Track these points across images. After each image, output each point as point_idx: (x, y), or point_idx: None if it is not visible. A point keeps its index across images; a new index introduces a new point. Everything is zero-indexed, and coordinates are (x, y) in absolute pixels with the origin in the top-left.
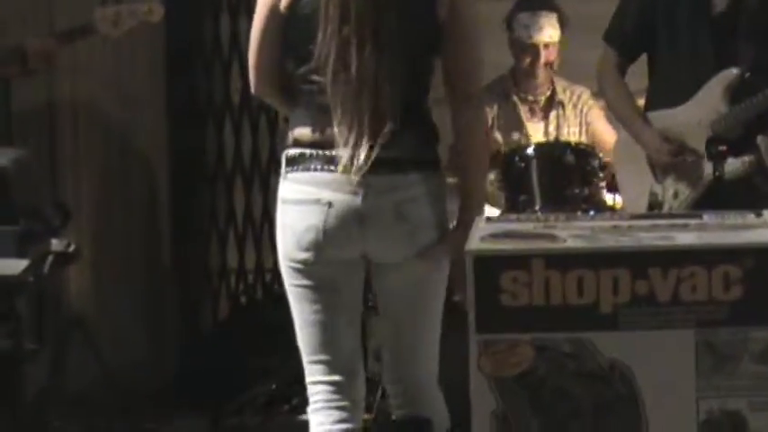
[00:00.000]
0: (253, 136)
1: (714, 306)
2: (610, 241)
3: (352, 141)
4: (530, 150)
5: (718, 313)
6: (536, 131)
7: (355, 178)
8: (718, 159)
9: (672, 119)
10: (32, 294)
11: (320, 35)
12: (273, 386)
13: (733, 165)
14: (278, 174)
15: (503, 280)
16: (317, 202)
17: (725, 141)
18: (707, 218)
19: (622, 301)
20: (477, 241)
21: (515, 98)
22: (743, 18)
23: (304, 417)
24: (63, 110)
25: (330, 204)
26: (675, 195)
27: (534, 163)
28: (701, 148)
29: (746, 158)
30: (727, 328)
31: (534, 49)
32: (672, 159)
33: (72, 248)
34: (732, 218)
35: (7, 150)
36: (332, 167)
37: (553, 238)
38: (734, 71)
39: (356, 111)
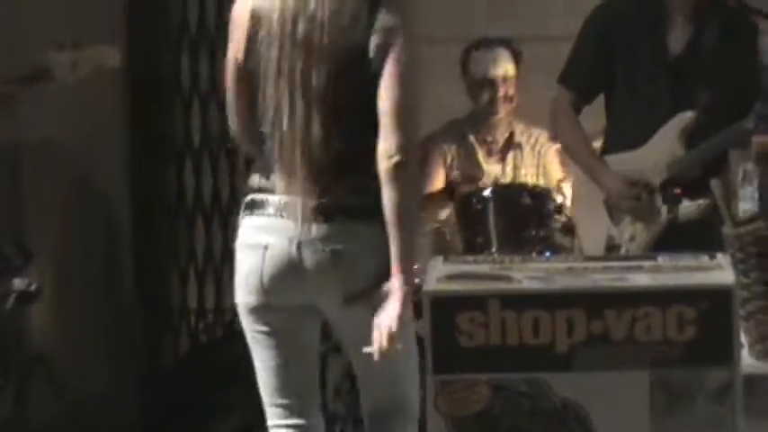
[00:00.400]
0: (213, 175)
1: (668, 346)
2: (565, 282)
3: (288, 190)
4: (487, 192)
5: (672, 353)
6: (493, 173)
7: (291, 225)
8: (673, 202)
9: (629, 162)
10: None
11: (261, 87)
12: (235, 420)
13: (688, 207)
14: (238, 213)
15: (459, 320)
16: (258, 245)
17: (680, 184)
18: (661, 260)
19: (577, 341)
20: (434, 282)
21: (473, 139)
22: (698, 62)
23: None
24: (24, 151)
25: (266, 248)
26: (632, 238)
27: (491, 205)
28: (658, 190)
29: (701, 201)
30: (682, 369)
31: (492, 84)
32: (635, 203)
33: (34, 287)
34: (686, 260)
35: None
36: (271, 213)
37: (509, 279)
38: (690, 114)
39: (291, 161)
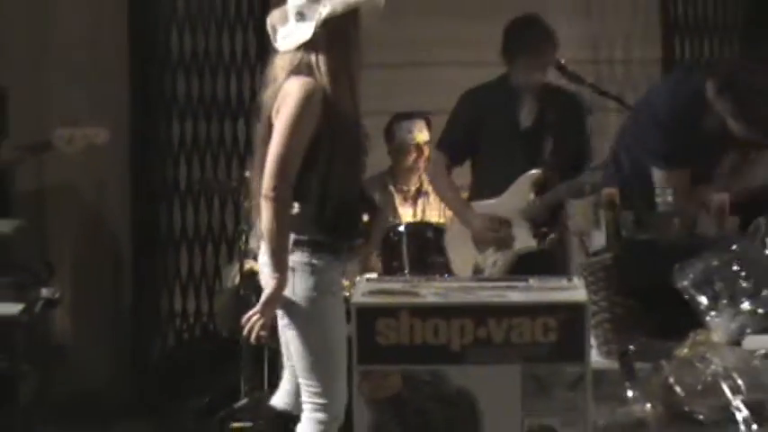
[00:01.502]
0: (194, 212)
1: (536, 347)
2: (458, 298)
3: None
4: (401, 228)
5: (539, 352)
6: (407, 214)
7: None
8: (542, 237)
9: (491, 207)
10: (26, 329)
11: None
12: (207, 399)
13: (534, 241)
14: (214, 242)
15: (378, 325)
16: None
17: (542, 224)
18: (531, 281)
19: (467, 342)
20: (359, 296)
21: (392, 189)
22: (542, 132)
23: (231, 425)
24: (50, 192)
25: None
26: (494, 264)
27: (405, 238)
28: (513, 232)
29: (551, 236)
30: (546, 364)
31: (418, 148)
32: (496, 235)
33: (56, 295)
34: (550, 282)
35: (9, 221)
36: None
37: (416, 294)
38: (537, 171)
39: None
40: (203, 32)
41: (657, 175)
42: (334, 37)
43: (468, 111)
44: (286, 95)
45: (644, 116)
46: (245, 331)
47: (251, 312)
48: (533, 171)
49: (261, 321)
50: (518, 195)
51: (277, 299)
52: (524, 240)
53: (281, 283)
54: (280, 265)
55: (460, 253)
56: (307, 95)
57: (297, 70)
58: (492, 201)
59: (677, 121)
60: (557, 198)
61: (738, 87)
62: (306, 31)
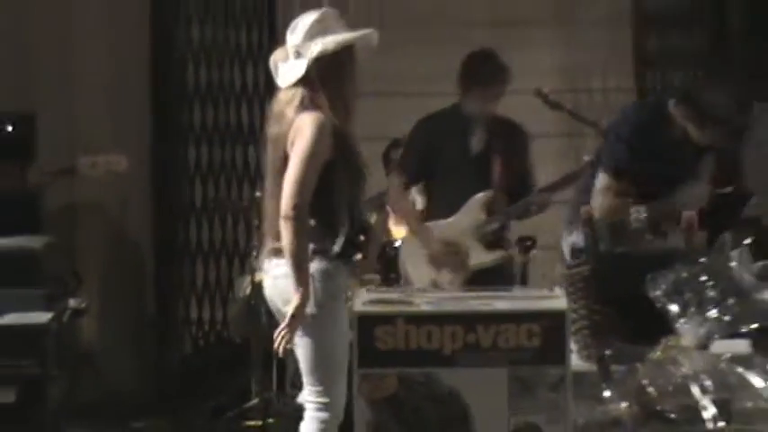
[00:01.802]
0: (209, 229)
1: (521, 351)
2: (449, 306)
3: None
4: (398, 243)
5: (524, 356)
6: (400, 232)
7: None
8: (525, 251)
9: (445, 227)
10: (55, 336)
11: None
12: (221, 400)
13: (489, 256)
14: (228, 255)
15: (377, 332)
16: None
17: (528, 239)
18: (516, 291)
19: (458, 347)
20: (360, 305)
21: (388, 209)
22: (491, 157)
23: (243, 424)
24: (79, 210)
25: None
26: (451, 282)
27: (401, 252)
28: (467, 249)
29: (500, 252)
30: (530, 367)
31: None
32: (450, 258)
33: (84, 305)
34: (533, 291)
35: (40, 238)
36: None
37: (411, 303)
38: (487, 193)
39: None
40: (217, 66)
41: (601, 178)
42: (328, 72)
43: (422, 137)
44: (299, 129)
45: (611, 134)
46: (276, 345)
47: (280, 328)
48: (483, 193)
49: (288, 336)
50: (470, 216)
51: (302, 313)
52: (478, 257)
53: (304, 298)
54: (301, 279)
55: (419, 269)
56: (319, 129)
57: (304, 106)
58: (446, 221)
59: (640, 134)
60: (506, 218)
61: (696, 97)
62: (301, 67)
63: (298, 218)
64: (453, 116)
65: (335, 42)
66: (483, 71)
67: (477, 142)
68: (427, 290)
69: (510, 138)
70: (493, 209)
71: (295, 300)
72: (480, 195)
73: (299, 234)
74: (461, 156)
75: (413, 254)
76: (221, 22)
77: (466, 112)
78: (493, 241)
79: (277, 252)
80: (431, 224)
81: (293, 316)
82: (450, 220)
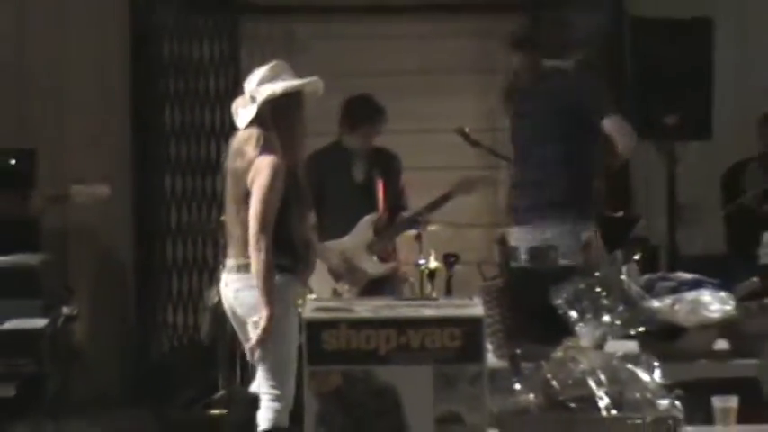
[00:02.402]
0: (183, 247)
1: (445, 351)
2: (385, 313)
3: None
4: None
5: (447, 355)
6: None
7: None
8: (450, 265)
9: (341, 245)
10: (50, 339)
11: None
12: (193, 393)
13: (381, 268)
14: (198, 270)
15: (323, 335)
16: None
17: (452, 255)
18: (441, 300)
19: (391, 348)
20: (308, 313)
21: None
22: (371, 186)
23: (210, 412)
24: (72, 231)
25: None
26: (349, 290)
27: None
28: (362, 263)
29: (390, 264)
30: (452, 364)
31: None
32: (346, 269)
33: (75, 312)
34: (455, 301)
35: (37, 255)
36: None
37: (352, 311)
38: (373, 215)
39: None
40: (189, 109)
41: None
42: (278, 114)
43: (310, 171)
44: (259, 171)
45: None
46: (249, 357)
47: (254, 340)
48: (370, 215)
49: (261, 345)
50: (361, 235)
51: (269, 326)
52: (372, 268)
53: (271, 314)
54: (268, 298)
55: (321, 281)
56: (275, 172)
57: (261, 146)
58: (341, 240)
59: None
60: (391, 235)
61: None
62: (253, 110)
63: (264, 248)
64: (336, 151)
65: (283, 88)
66: (364, 112)
67: (359, 173)
68: (364, 300)
69: (387, 166)
70: (379, 227)
71: (264, 314)
72: (368, 217)
73: (267, 261)
74: (347, 185)
75: (317, 268)
76: (193, 72)
77: (347, 147)
78: (383, 254)
79: (239, 268)
80: (329, 243)
81: (263, 331)
82: (344, 239)
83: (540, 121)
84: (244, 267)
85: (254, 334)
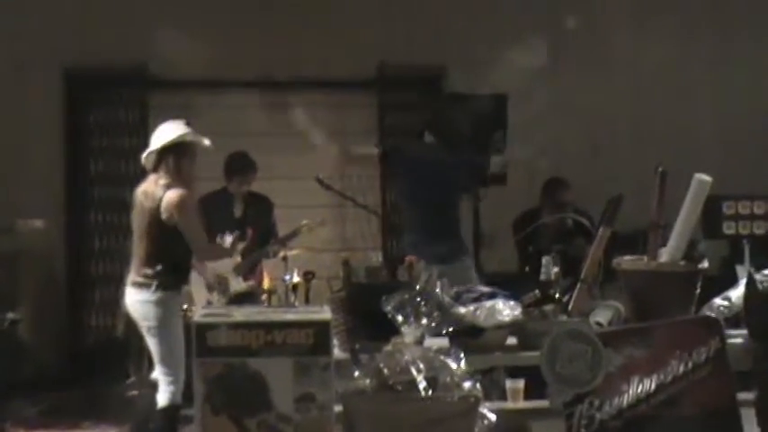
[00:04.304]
0: (104, 266)
1: (301, 346)
2: (256, 317)
3: None
4: None
5: (303, 349)
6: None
7: None
8: (308, 280)
9: (216, 266)
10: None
11: None
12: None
13: (243, 285)
14: (116, 283)
15: (208, 334)
16: None
17: (310, 272)
18: (299, 308)
19: (261, 344)
20: (198, 317)
21: None
22: (247, 219)
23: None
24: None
25: None
26: (219, 300)
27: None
28: (230, 279)
29: (251, 282)
30: (308, 357)
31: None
32: (218, 284)
33: (19, 316)
34: (310, 308)
35: None
36: None
37: (233, 316)
38: (242, 244)
39: None
40: (109, 160)
41: None
42: (172, 159)
43: (201, 208)
44: (173, 205)
45: None
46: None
47: None
48: (241, 243)
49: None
50: (231, 259)
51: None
52: (236, 285)
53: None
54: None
55: (198, 292)
56: (186, 201)
57: (165, 186)
58: (216, 263)
59: None
60: (253, 260)
61: None
62: (151, 157)
63: (204, 251)
64: (222, 194)
65: (172, 141)
66: (240, 165)
67: (238, 210)
68: (242, 307)
69: (259, 205)
70: (246, 253)
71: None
72: (238, 246)
73: (214, 254)
74: (228, 220)
75: (196, 282)
76: (113, 132)
77: (230, 191)
78: (248, 274)
79: (134, 283)
80: (208, 264)
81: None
82: (219, 261)
83: None
84: (138, 284)
85: (147, 337)
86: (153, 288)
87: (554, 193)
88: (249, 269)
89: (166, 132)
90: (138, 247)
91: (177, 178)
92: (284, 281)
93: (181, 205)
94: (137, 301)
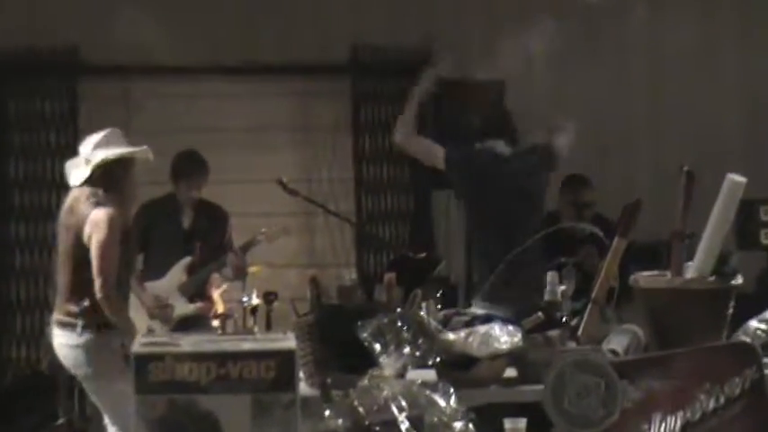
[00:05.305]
0: (27, 289)
1: (261, 381)
2: (206, 347)
3: None
4: None
5: (263, 385)
6: None
7: None
8: (270, 302)
9: (158, 285)
10: None
11: None
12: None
13: (189, 307)
14: (40, 309)
15: (149, 366)
16: None
17: (272, 293)
18: (258, 335)
19: (212, 378)
20: (137, 347)
21: None
22: (197, 231)
23: None
24: None
25: None
26: (161, 327)
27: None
28: (174, 301)
29: (198, 304)
30: (268, 393)
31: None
32: (160, 311)
33: None
34: (271, 335)
35: None
36: None
37: (178, 345)
38: (188, 258)
39: None
40: (32, 160)
41: None
42: (109, 177)
43: (141, 218)
44: (96, 225)
45: None
46: None
47: None
48: (186, 259)
49: None
50: (175, 277)
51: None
52: (181, 307)
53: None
54: (128, 326)
55: (139, 319)
56: (112, 224)
57: (92, 203)
58: (157, 281)
59: None
60: (201, 278)
61: None
62: (86, 172)
63: (112, 296)
64: (168, 201)
65: (116, 155)
66: (189, 167)
67: (186, 220)
68: (190, 335)
69: (212, 216)
70: (193, 270)
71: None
72: (183, 261)
73: (118, 306)
74: (175, 230)
75: (135, 307)
76: (36, 127)
77: (178, 198)
78: (195, 294)
79: (59, 323)
80: (148, 284)
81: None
82: (161, 280)
83: None
84: (62, 324)
85: (84, 385)
86: (79, 329)
87: (575, 192)
88: (197, 289)
89: (100, 143)
90: (61, 276)
91: (114, 198)
92: (241, 303)
93: (101, 225)
94: (62, 344)
